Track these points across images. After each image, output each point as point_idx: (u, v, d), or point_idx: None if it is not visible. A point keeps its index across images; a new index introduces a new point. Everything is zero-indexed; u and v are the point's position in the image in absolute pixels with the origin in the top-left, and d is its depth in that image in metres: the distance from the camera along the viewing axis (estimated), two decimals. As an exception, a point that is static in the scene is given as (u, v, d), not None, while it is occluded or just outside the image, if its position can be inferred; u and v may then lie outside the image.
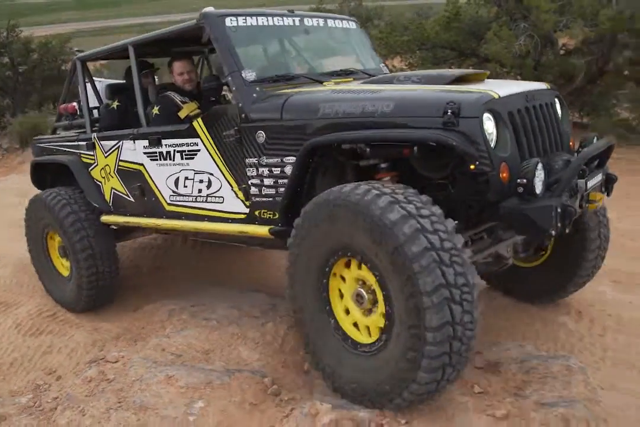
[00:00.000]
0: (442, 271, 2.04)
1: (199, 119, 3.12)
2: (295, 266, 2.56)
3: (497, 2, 8.48)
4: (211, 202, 3.22)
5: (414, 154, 2.45)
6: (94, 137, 3.90)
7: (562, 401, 2.41)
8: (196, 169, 3.23)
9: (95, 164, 3.96)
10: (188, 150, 3.23)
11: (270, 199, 2.90)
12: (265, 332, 3.26)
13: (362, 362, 2.34)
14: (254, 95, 2.90)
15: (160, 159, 3.42)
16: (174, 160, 3.34)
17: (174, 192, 3.42)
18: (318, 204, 2.37)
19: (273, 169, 2.84)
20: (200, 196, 3.27)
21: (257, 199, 2.96)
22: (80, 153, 4.06)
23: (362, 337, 2.39)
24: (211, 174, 3.15)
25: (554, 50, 7.93)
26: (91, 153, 3.96)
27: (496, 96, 2.41)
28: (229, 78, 2.93)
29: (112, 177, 3.84)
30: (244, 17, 3.11)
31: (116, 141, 3.71)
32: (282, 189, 2.83)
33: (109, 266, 4.04)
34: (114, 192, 3.89)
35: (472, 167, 2.31)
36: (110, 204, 3.96)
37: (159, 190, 3.52)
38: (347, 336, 2.43)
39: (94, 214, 4.01)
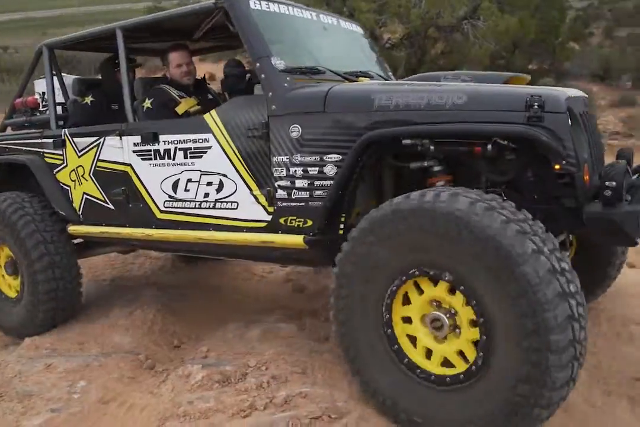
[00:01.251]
0: (558, 280, 1.77)
1: (213, 111, 2.70)
2: (348, 291, 2.18)
3: (325, 1, 9.14)
4: (221, 208, 2.77)
5: (486, 153, 2.19)
6: (65, 134, 3.32)
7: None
8: (204, 170, 2.78)
9: (64, 164, 3.37)
10: (195, 148, 2.78)
11: (302, 203, 2.51)
12: (134, 319, 3.45)
13: (457, 397, 1.97)
14: (285, 84, 2.54)
15: (156, 158, 2.93)
16: (173, 160, 2.87)
17: (170, 197, 2.93)
18: (398, 211, 2.03)
19: (309, 168, 2.46)
20: (206, 202, 2.81)
21: (284, 204, 2.55)
22: (43, 152, 3.45)
23: (448, 369, 2.03)
24: (224, 175, 2.71)
25: (379, 44, 8.76)
26: (59, 152, 3.38)
27: (570, 95, 2.22)
28: (257, 64, 2.55)
29: (86, 180, 3.27)
30: (266, 2, 2.77)
31: (95, 138, 3.17)
32: (318, 192, 2.46)
33: (71, 287, 3.42)
34: (86, 198, 3.31)
35: (557, 167, 2.08)
36: (80, 213, 3.36)
37: (150, 195, 3.01)
38: (427, 372, 2.06)
39: (57, 224, 3.40)
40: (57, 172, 3.42)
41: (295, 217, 2.55)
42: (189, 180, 2.84)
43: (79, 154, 3.27)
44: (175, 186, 2.89)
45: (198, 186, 2.81)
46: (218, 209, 2.78)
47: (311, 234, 2.50)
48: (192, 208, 2.87)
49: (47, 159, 3.44)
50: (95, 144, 3.18)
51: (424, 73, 2.90)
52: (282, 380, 2.49)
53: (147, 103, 3.09)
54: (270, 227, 2.62)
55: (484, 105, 2.16)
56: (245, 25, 2.60)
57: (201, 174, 2.79)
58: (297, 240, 2.48)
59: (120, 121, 3.31)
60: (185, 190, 2.86)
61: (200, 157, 2.77)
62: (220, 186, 2.74)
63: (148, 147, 2.95)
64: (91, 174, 3.24)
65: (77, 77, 3.80)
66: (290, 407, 2.28)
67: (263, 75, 2.54)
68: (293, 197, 2.53)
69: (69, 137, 3.30)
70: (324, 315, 3.17)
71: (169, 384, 2.66)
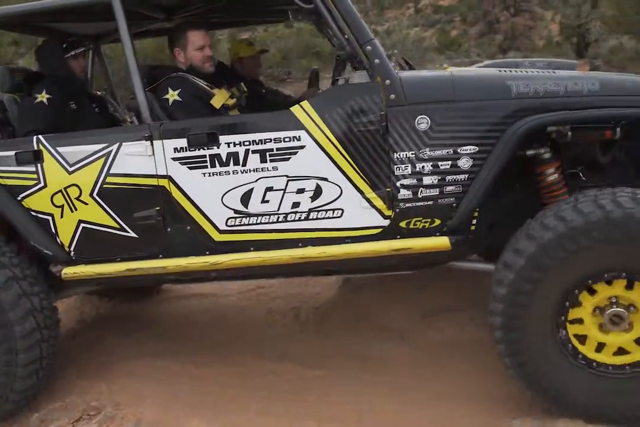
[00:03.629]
0: None
1: (305, 104, 2.24)
2: (527, 297, 2.04)
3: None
4: (317, 218, 2.33)
5: (614, 136, 2.27)
6: (40, 143, 2.40)
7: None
8: (292, 175, 2.29)
9: (40, 185, 2.43)
10: (278, 149, 2.28)
11: (430, 202, 2.27)
12: None
13: None
14: (396, 70, 2.25)
15: (213, 166, 2.31)
16: (244, 166, 2.30)
17: (238, 212, 2.35)
18: (579, 228, 1.95)
19: (440, 163, 2.23)
20: (295, 213, 2.33)
21: (408, 204, 2.27)
22: None
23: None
24: (323, 179, 2.29)
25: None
26: (28, 169, 2.42)
27: None
28: (368, 47, 2.20)
29: (85, 203, 2.42)
30: None
31: (102, 146, 2.36)
32: (450, 188, 2.25)
33: (53, 347, 2.55)
34: (84, 228, 2.45)
35: None
36: (72, 248, 2.48)
37: (203, 213, 2.37)
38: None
39: (37, 269, 2.47)
40: (25, 196, 2.45)
41: (421, 218, 2.29)
42: (269, 189, 2.32)
43: (71, 170, 2.39)
44: (246, 198, 2.33)
45: (283, 195, 2.32)
46: (313, 219, 2.33)
47: (437, 233, 2.29)
48: (272, 222, 2.35)
49: (3, 181, 2.44)
50: (101, 153, 2.36)
51: (502, 60, 2.83)
52: None
53: (173, 95, 2.43)
54: (387, 233, 2.31)
55: (614, 90, 2.23)
56: (341, 3, 2.21)
57: (288, 180, 2.30)
58: (441, 242, 2.24)
59: (86, 125, 2.57)
60: (263, 201, 2.33)
61: (288, 159, 2.28)
62: (318, 192, 2.30)
63: (200, 152, 2.31)
64: (95, 195, 2.40)
65: (4, 66, 2.77)
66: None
67: (377, 61, 2.19)
68: (420, 196, 2.26)
69: (49, 148, 2.39)
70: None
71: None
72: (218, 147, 2.30)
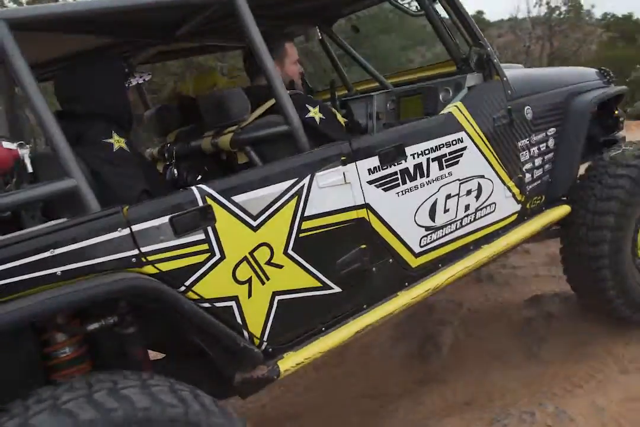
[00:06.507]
0: None
1: (459, 105, 2.20)
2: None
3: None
4: (481, 217, 2.32)
5: None
6: (204, 195, 1.55)
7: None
8: (462, 177, 2.22)
9: (215, 258, 1.57)
10: (450, 153, 2.16)
11: (539, 181, 2.59)
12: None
13: None
14: None
15: (404, 182, 2.01)
16: (428, 177, 2.09)
17: (428, 229, 2.11)
18: None
19: (540, 146, 2.57)
20: (467, 216, 2.26)
21: (530, 186, 2.53)
22: (143, 255, 1.44)
23: None
24: (481, 177, 2.30)
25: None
26: (192, 239, 1.53)
27: None
28: (489, 48, 2.33)
29: (279, 266, 1.71)
30: None
31: (289, 183, 1.71)
32: (547, 166, 2.64)
33: None
34: (281, 302, 1.72)
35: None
36: (267, 336, 1.70)
37: (401, 240, 2.02)
38: None
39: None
40: (195, 282, 1.54)
41: (536, 197, 2.59)
42: (448, 197, 2.18)
43: (256, 224, 1.65)
44: (432, 211, 2.12)
45: (458, 200, 2.22)
46: (479, 219, 2.31)
47: (543, 208, 2.64)
48: (453, 232, 2.21)
49: (159, 267, 1.47)
50: (292, 193, 1.72)
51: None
52: None
53: (317, 113, 1.99)
54: (520, 217, 2.51)
55: (588, 77, 3.01)
56: (459, 7, 2.27)
57: (460, 184, 2.22)
58: (566, 209, 2.58)
59: (150, 172, 1.96)
60: (445, 211, 2.17)
61: (457, 162, 2.20)
62: (479, 191, 2.30)
63: (391, 169, 1.97)
64: (290, 251, 1.72)
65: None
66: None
67: (496, 60, 2.36)
68: (535, 177, 2.56)
69: (220, 200, 1.58)
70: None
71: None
72: (406, 161, 2.02)
